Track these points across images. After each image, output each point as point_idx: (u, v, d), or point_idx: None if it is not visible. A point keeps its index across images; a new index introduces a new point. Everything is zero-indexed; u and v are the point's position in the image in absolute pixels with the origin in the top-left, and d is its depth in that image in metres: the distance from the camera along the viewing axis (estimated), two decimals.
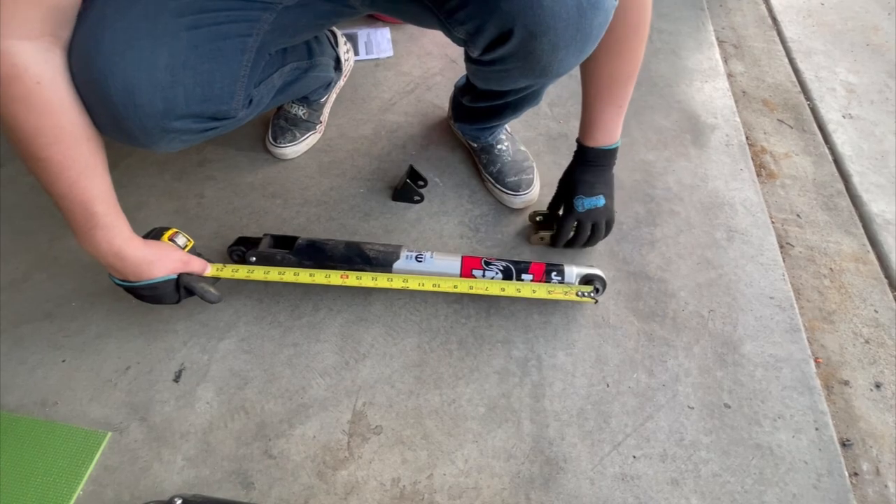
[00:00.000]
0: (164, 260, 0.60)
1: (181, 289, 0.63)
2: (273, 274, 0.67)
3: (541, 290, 0.68)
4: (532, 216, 0.81)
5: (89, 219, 0.53)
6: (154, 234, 0.64)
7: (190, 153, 0.93)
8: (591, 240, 0.75)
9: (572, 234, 0.75)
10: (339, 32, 0.98)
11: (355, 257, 0.71)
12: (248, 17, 0.56)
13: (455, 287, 0.68)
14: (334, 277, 0.67)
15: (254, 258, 0.71)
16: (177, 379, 0.68)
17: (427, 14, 0.58)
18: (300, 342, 0.71)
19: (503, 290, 0.68)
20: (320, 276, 0.67)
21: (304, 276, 0.67)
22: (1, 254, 0.78)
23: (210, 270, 0.67)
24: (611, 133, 0.69)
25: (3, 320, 0.72)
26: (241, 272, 0.67)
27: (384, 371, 0.69)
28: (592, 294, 0.69)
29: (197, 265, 0.65)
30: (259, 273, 0.67)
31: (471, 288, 0.68)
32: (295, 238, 0.73)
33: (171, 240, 0.63)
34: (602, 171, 0.72)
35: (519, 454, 0.63)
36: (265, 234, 0.75)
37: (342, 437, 0.64)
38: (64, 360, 0.69)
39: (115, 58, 0.47)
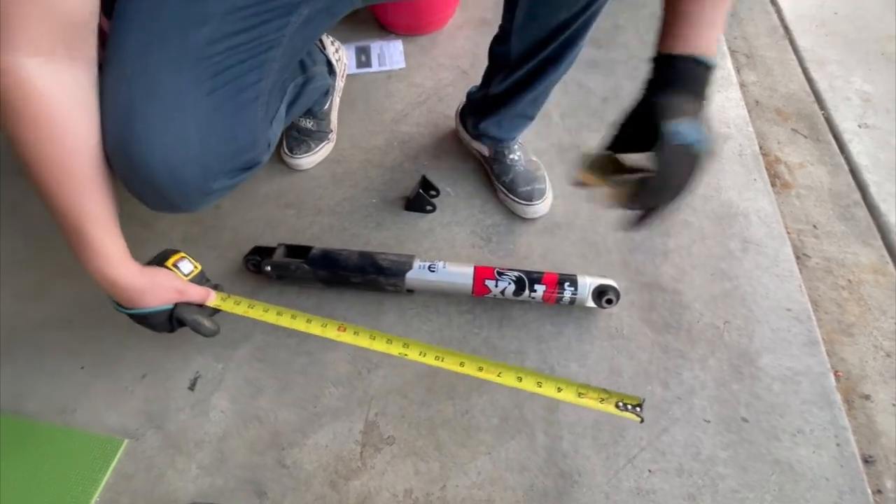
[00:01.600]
0: (157, 289, 0.58)
1: (174, 320, 0.60)
2: (271, 314, 0.62)
3: (568, 392, 0.53)
4: (589, 160, 0.52)
5: (81, 240, 0.52)
6: (158, 259, 0.61)
7: None
8: (681, 193, 0.48)
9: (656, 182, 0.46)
10: (325, 34, 0.95)
11: (368, 267, 0.72)
12: (257, 63, 0.56)
13: (462, 365, 0.56)
14: (330, 329, 0.60)
15: (269, 267, 0.72)
16: (192, 387, 0.68)
17: None
18: (314, 351, 0.71)
19: (520, 379, 0.54)
20: (316, 325, 0.61)
21: (301, 322, 0.62)
22: (23, 262, 0.80)
23: (214, 300, 0.63)
24: (710, 40, 0.47)
25: (25, 328, 0.73)
26: (242, 306, 0.63)
27: (396, 381, 0.69)
28: (639, 410, 0.53)
29: (196, 294, 0.61)
30: (258, 311, 0.63)
31: (480, 370, 0.55)
32: (309, 248, 0.74)
33: (175, 265, 0.61)
34: (699, 97, 0.47)
35: (532, 466, 0.62)
36: (280, 244, 0.76)
37: (355, 447, 0.64)
38: (83, 368, 0.70)
39: (152, 146, 0.49)
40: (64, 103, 0.47)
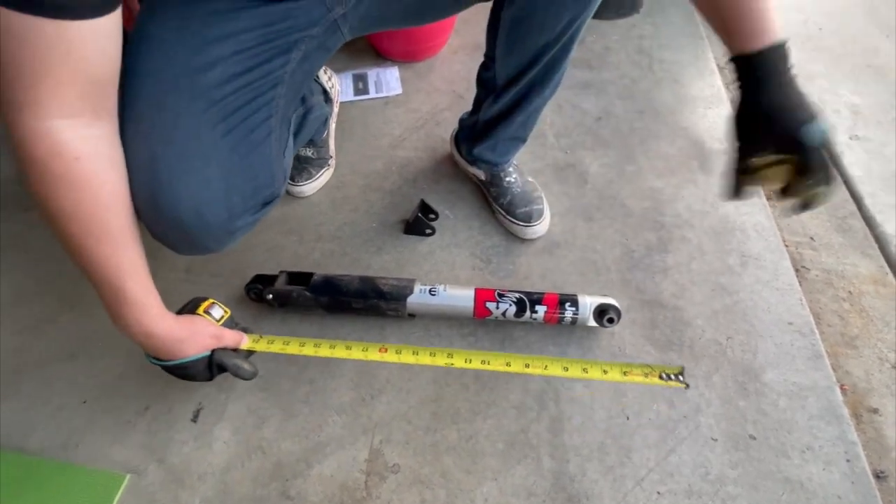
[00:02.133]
0: (196, 337, 0.58)
1: (213, 366, 0.61)
2: (308, 347, 0.64)
3: (613, 372, 0.57)
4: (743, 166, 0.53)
5: (118, 295, 0.52)
6: (190, 308, 0.61)
7: None
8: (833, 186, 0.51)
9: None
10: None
11: (370, 292, 0.72)
12: (265, 101, 0.58)
13: (527, 367, 0.60)
14: (372, 352, 0.63)
15: (271, 295, 0.73)
16: (195, 418, 0.68)
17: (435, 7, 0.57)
18: (316, 379, 0.71)
19: (566, 369, 0.59)
20: (357, 350, 0.63)
21: (341, 349, 0.64)
22: (26, 297, 0.81)
23: (246, 343, 0.64)
24: (776, 21, 0.49)
25: (29, 361, 0.73)
26: (277, 344, 0.64)
27: (400, 407, 0.68)
28: (682, 378, 0.57)
29: (231, 339, 0.62)
30: (294, 346, 0.64)
31: (545, 368, 0.60)
32: (310, 274, 0.75)
33: (206, 311, 0.61)
34: (794, 83, 0.50)
35: (539, 491, 0.61)
36: (281, 271, 0.76)
37: (360, 476, 0.63)
38: (85, 402, 0.70)
39: (179, 192, 0.51)
40: (97, 161, 0.47)
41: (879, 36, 1.34)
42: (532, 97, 0.76)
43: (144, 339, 0.55)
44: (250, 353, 0.65)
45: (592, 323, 0.72)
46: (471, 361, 0.60)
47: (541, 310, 0.71)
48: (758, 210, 0.90)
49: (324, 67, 1.00)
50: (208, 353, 0.59)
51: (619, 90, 1.12)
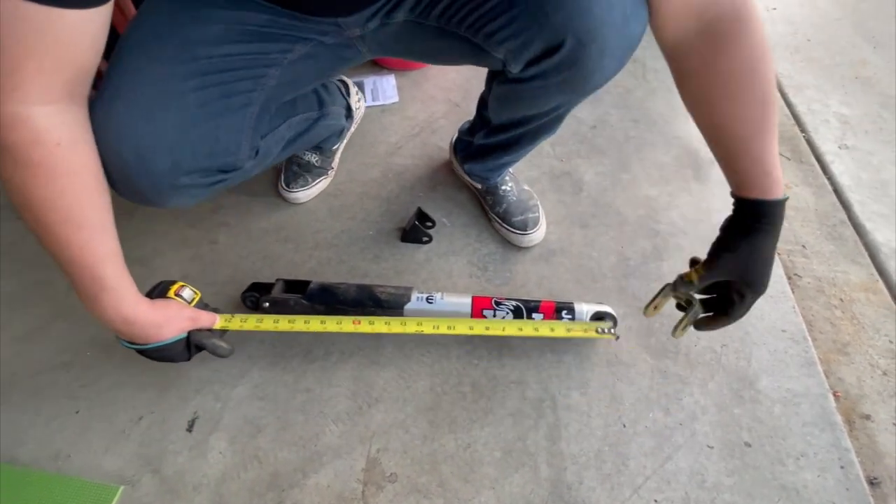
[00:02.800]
0: (173, 320, 0.59)
1: (192, 347, 0.63)
2: (283, 323, 0.67)
3: (559, 329, 0.68)
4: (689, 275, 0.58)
5: (96, 282, 0.52)
6: (159, 291, 0.62)
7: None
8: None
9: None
10: (350, 81, 1.02)
11: (367, 300, 0.72)
12: (253, 75, 0.58)
13: (471, 329, 0.68)
14: (346, 324, 0.67)
15: (267, 303, 0.73)
16: (190, 428, 0.67)
17: (455, 45, 0.58)
18: (313, 387, 0.71)
19: (520, 329, 0.67)
20: (332, 324, 0.67)
21: (315, 323, 0.67)
22: (19, 304, 0.80)
23: (219, 322, 0.65)
24: (780, 179, 0.51)
25: (22, 371, 0.73)
26: (250, 322, 0.66)
27: (398, 416, 0.68)
28: (612, 330, 0.68)
29: (206, 320, 0.63)
30: (268, 323, 0.66)
31: (487, 329, 0.68)
32: (307, 282, 0.75)
33: (177, 294, 0.62)
34: (776, 235, 0.53)
35: (537, 500, 0.61)
36: (278, 279, 0.76)
37: (357, 485, 0.63)
38: (78, 412, 0.69)
39: (126, 128, 0.51)
40: (76, 147, 0.47)
41: (867, 47, 1.37)
42: (524, 144, 0.78)
43: (122, 325, 0.55)
44: (224, 332, 0.67)
45: None
46: (438, 328, 0.67)
47: (537, 317, 0.72)
48: None
49: (355, 88, 1.03)
50: (185, 334, 0.61)
51: (614, 99, 1.14)
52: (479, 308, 0.72)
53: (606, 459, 0.64)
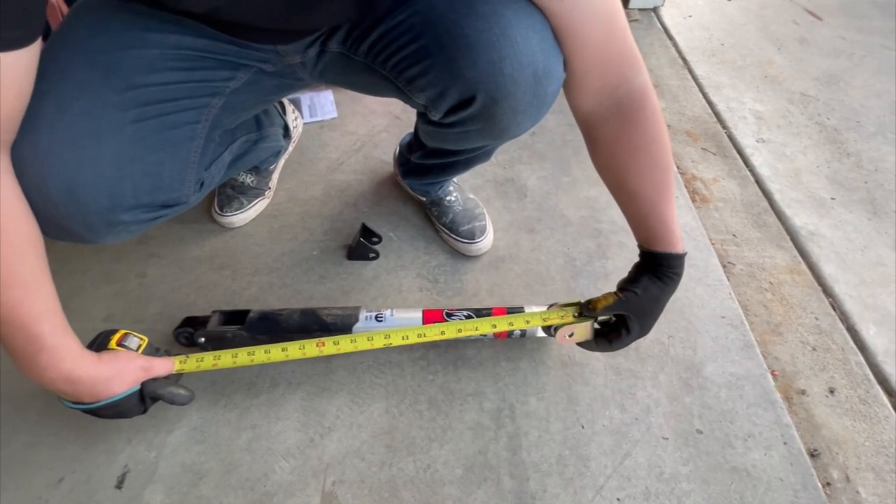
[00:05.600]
0: (124, 373, 0.54)
1: (146, 399, 0.57)
2: (242, 357, 0.61)
3: (535, 319, 0.64)
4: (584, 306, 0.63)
5: (33, 342, 0.47)
6: (100, 342, 0.56)
7: None
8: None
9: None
10: (285, 100, 0.99)
11: (312, 325, 0.69)
12: (195, 105, 0.55)
13: (442, 333, 0.63)
14: (310, 348, 0.62)
15: (202, 339, 0.67)
16: (119, 485, 0.61)
17: (382, 83, 0.58)
18: (259, 423, 0.66)
19: (494, 326, 0.64)
20: (294, 350, 0.62)
21: (277, 352, 0.61)
22: None
23: (174, 366, 0.60)
24: (678, 236, 0.57)
25: None
26: (207, 361, 0.60)
27: (353, 443, 0.65)
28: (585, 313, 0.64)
29: (161, 367, 0.58)
30: (227, 359, 0.61)
31: (459, 331, 0.64)
32: (246, 312, 0.70)
33: (119, 344, 0.56)
34: (676, 283, 0.58)
35: None
36: (214, 311, 0.71)
37: None
38: None
39: (54, 158, 0.45)
40: (6, 203, 0.43)
41: (772, 49, 1.49)
42: (459, 169, 0.81)
43: (65, 385, 0.50)
44: (179, 376, 0.62)
45: (541, 333, 0.72)
46: (407, 338, 0.62)
47: None
48: (685, 212, 0.96)
49: (292, 107, 1.00)
50: (138, 386, 0.56)
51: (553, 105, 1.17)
52: (431, 321, 0.70)
53: (568, 463, 0.64)
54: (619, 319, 0.61)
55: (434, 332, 0.63)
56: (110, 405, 0.54)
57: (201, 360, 0.60)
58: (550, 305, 0.67)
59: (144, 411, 0.58)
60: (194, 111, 0.54)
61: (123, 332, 0.58)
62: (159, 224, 0.58)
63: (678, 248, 0.57)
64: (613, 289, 0.61)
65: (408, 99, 0.59)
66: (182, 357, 0.60)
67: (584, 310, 0.62)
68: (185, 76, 0.52)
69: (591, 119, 0.56)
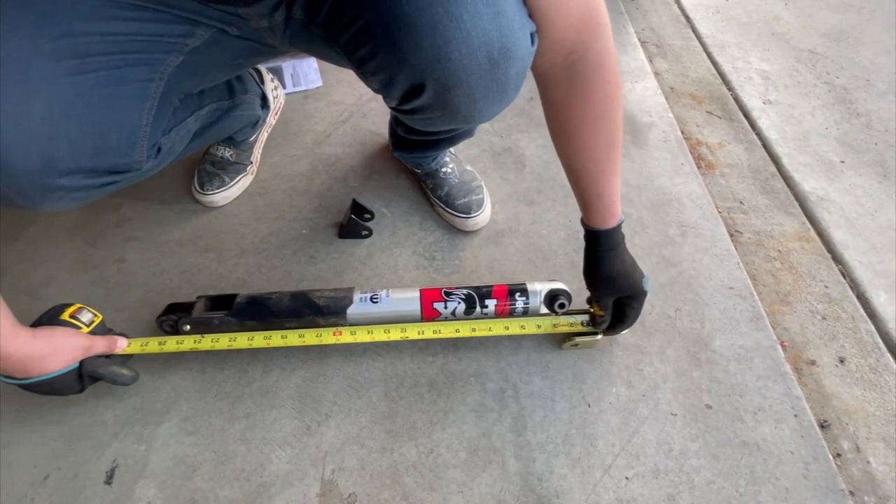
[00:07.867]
0: (60, 351, 0.53)
1: (84, 377, 0.56)
2: (206, 342, 0.58)
3: (546, 325, 0.65)
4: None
5: None
6: (50, 316, 0.55)
7: (105, 212, 0.83)
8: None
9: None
10: (263, 69, 0.92)
11: (304, 309, 0.65)
12: (148, 60, 0.49)
13: (457, 331, 0.64)
14: (292, 337, 0.60)
15: (188, 326, 0.63)
16: (108, 480, 0.58)
17: (344, 60, 0.52)
18: (253, 412, 0.63)
19: (506, 328, 0.66)
20: (259, 339, 0.59)
21: (243, 340, 0.59)
22: None
23: (128, 347, 0.59)
24: (618, 207, 0.59)
25: None
26: (170, 344, 0.59)
27: (351, 429, 0.62)
28: (590, 324, 0.67)
29: (101, 346, 0.57)
30: (189, 343, 0.58)
31: (473, 330, 0.65)
32: (233, 296, 0.66)
33: (72, 317, 0.56)
34: (626, 250, 0.61)
35: (508, 497, 0.58)
36: (199, 297, 0.67)
37: None
38: None
39: None
40: None
41: (779, 4, 1.42)
42: (443, 146, 0.77)
43: None
44: (128, 357, 0.61)
45: (545, 311, 0.69)
46: (423, 333, 0.63)
47: (491, 303, 0.68)
48: (691, 179, 0.92)
49: (270, 76, 0.92)
50: (76, 364, 0.55)
51: None
52: (429, 301, 0.67)
53: (574, 443, 0.62)
54: (615, 303, 0.63)
55: (449, 330, 0.65)
56: (44, 382, 0.53)
57: (163, 343, 0.60)
58: (552, 286, 0.68)
59: (82, 390, 0.58)
60: (145, 67, 0.49)
61: (79, 305, 0.58)
62: (110, 192, 0.53)
63: (610, 224, 0.58)
64: None
65: (364, 80, 0.52)
66: (144, 339, 0.60)
67: (595, 321, 0.66)
68: (135, 27, 0.47)
69: (543, 80, 0.53)
